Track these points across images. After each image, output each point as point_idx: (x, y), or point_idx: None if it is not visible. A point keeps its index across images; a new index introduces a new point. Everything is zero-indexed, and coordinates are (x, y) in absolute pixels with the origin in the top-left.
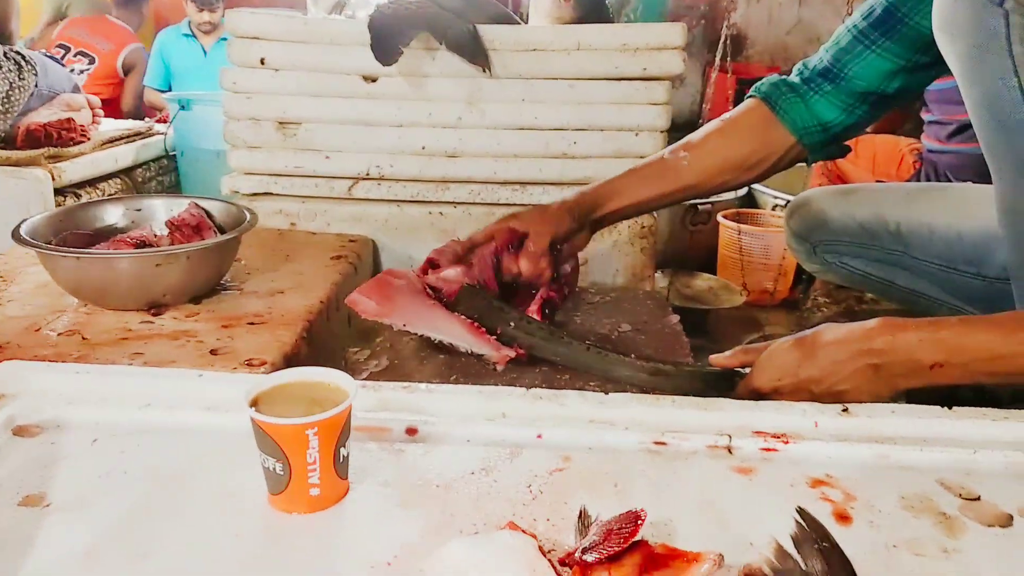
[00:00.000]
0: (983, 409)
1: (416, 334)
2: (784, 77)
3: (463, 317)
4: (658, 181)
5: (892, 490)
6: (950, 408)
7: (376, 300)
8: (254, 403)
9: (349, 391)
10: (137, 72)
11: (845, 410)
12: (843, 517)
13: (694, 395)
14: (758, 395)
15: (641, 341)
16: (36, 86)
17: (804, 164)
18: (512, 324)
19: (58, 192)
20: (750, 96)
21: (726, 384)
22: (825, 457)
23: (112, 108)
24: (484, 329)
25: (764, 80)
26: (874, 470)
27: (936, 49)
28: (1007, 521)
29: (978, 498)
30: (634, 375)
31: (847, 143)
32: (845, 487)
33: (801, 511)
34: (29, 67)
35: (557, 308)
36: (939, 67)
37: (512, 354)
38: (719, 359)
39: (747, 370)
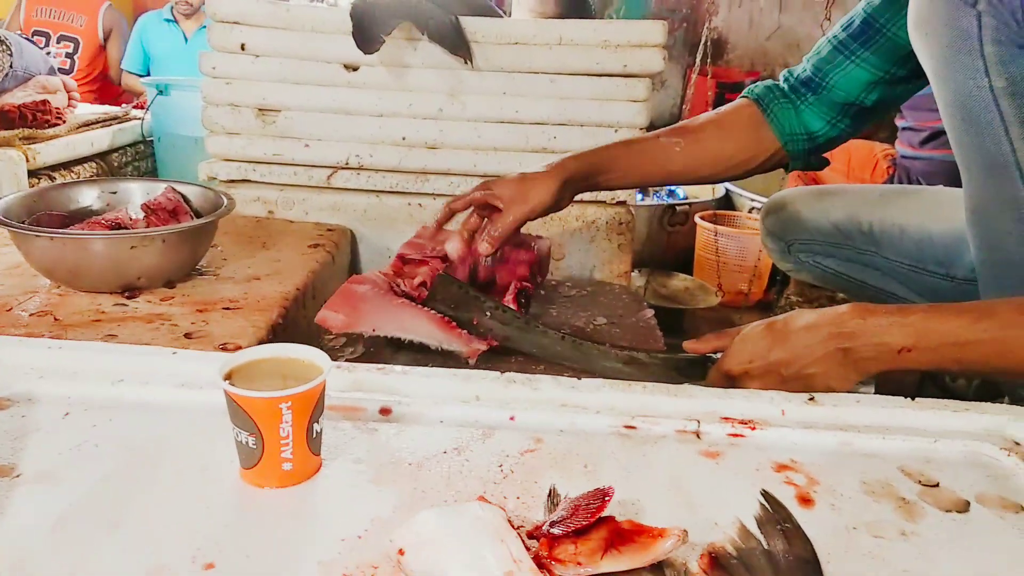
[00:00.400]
0: (944, 400)
1: (387, 337)
2: (777, 83)
3: (432, 312)
4: (650, 162)
5: (854, 476)
6: (913, 399)
7: (343, 313)
8: (228, 377)
9: (323, 367)
10: (116, 36)
11: (811, 399)
12: (806, 500)
13: (668, 382)
14: (729, 378)
15: (616, 334)
16: (11, 67)
17: (783, 170)
18: (488, 314)
19: (32, 174)
20: (743, 96)
21: (699, 370)
22: (790, 443)
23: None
24: (456, 321)
25: (758, 83)
26: (838, 456)
27: (913, 63)
28: (964, 507)
29: (937, 484)
30: (609, 364)
31: (826, 156)
32: (809, 472)
33: (765, 494)
34: (3, 47)
35: (531, 296)
36: (916, 81)
37: (483, 347)
38: (692, 344)
39: (717, 356)
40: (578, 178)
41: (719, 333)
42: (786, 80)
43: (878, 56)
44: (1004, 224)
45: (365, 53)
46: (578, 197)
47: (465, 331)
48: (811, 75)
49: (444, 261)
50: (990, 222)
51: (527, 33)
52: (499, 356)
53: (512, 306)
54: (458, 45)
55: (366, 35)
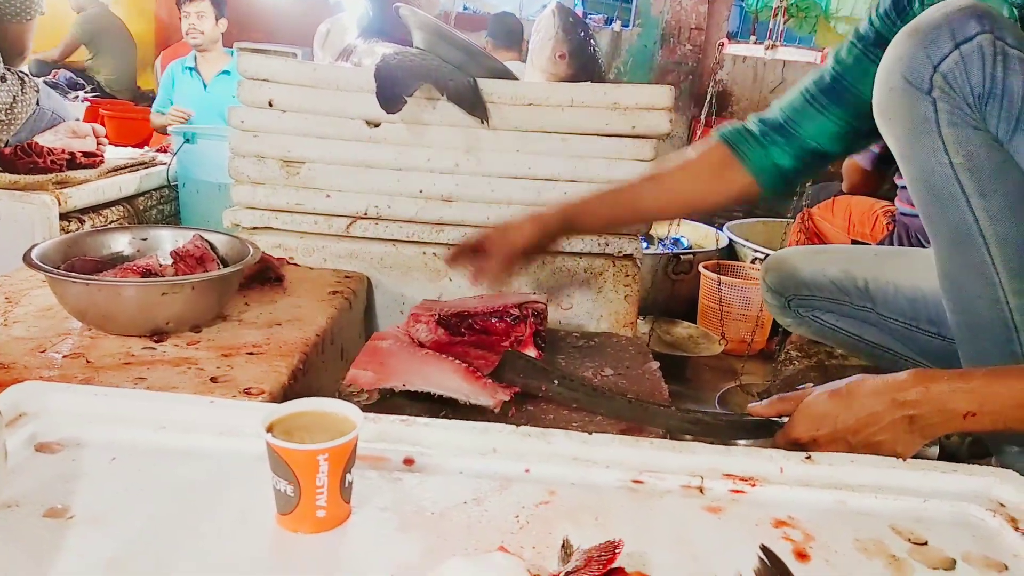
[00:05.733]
0: (934, 462)
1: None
2: (745, 124)
3: (456, 361)
4: (625, 206)
5: (848, 533)
6: (904, 460)
7: (372, 369)
8: (269, 429)
9: (357, 422)
10: None
11: (808, 458)
12: (802, 555)
13: (733, 442)
14: (796, 445)
15: (623, 385)
16: (38, 104)
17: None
18: (556, 382)
19: (63, 217)
20: (712, 138)
21: (764, 432)
22: (788, 500)
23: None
24: (526, 390)
25: (726, 125)
26: (833, 514)
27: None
28: (951, 565)
29: (926, 543)
30: (677, 425)
31: (824, 211)
32: (805, 528)
33: (764, 548)
34: (31, 84)
35: (544, 338)
36: (877, 135)
37: (506, 397)
38: (757, 408)
39: (784, 419)
40: (554, 223)
41: (782, 397)
42: (756, 124)
43: (845, 110)
44: (974, 289)
45: (388, 112)
46: (586, 249)
47: (489, 380)
48: (782, 122)
49: (456, 317)
50: (961, 288)
51: (540, 95)
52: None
53: (533, 350)
54: (475, 105)
55: (389, 95)
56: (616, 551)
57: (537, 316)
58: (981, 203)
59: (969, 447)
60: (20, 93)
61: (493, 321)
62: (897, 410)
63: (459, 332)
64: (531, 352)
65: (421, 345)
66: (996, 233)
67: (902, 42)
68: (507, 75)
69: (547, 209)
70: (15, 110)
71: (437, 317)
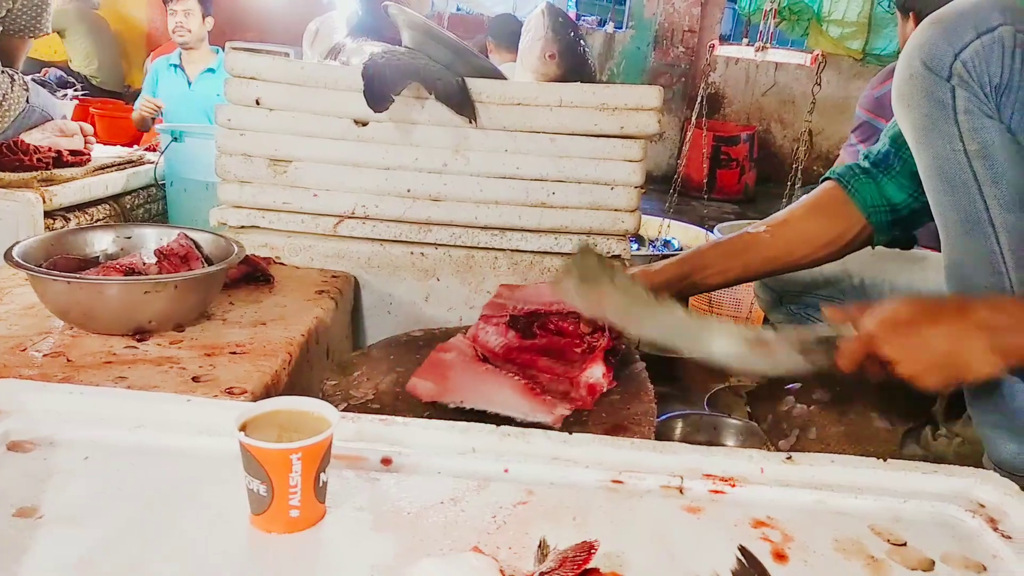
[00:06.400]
0: (914, 463)
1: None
2: (858, 162)
3: (515, 379)
4: (742, 254)
5: (827, 533)
6: (884, 460)
7: (433, 380)
8: (243, 428)
9: (331, 420)
10: None
11: (789, 458)
12: (780, 556)
13: (791, 364)
14: (870, 340)
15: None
16: (28, 101)
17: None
18: (621, 289)
19: (48, 215)
20: (825, 179)
21: (824, 349)
22: (768, 500)
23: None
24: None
25: (838, 165)
26: (812, 514)
27: None
28: (929, 566)
29: (904, 544)
30: (731, 343)
31: (915, 232)
32: (784, 529)
33: (742, 549)
34: (20, 82)
35: (619, 355)
36: None
37: (567, 412)
38: (833, 312)
39: (848, 329)
40: (672, 277)
41: (859, 305)
42: (865, 158)
43: None
44: (980, 278)
45: (375, 111)
46: (574, 250)
47: (548, 396)
48: (889, 148)
49: (529, 317)
50: (966, 276)
51: (529, 95)
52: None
53: (602, 366)
54: (463, 105)
55: (377, 94)
56: (592, 551)
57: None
58: (993, 191)
59: (956, 448)
60: (10, 91)
61: (569, 323)
62: (979, 328)
63: (531, 334)
64: (599, 368)
65: (486, 359)
66: (1005, 222)
67: (925, 29)
68: (496, 75)
69: (666, 266)
70: (3, 107)
71: (508, 318)
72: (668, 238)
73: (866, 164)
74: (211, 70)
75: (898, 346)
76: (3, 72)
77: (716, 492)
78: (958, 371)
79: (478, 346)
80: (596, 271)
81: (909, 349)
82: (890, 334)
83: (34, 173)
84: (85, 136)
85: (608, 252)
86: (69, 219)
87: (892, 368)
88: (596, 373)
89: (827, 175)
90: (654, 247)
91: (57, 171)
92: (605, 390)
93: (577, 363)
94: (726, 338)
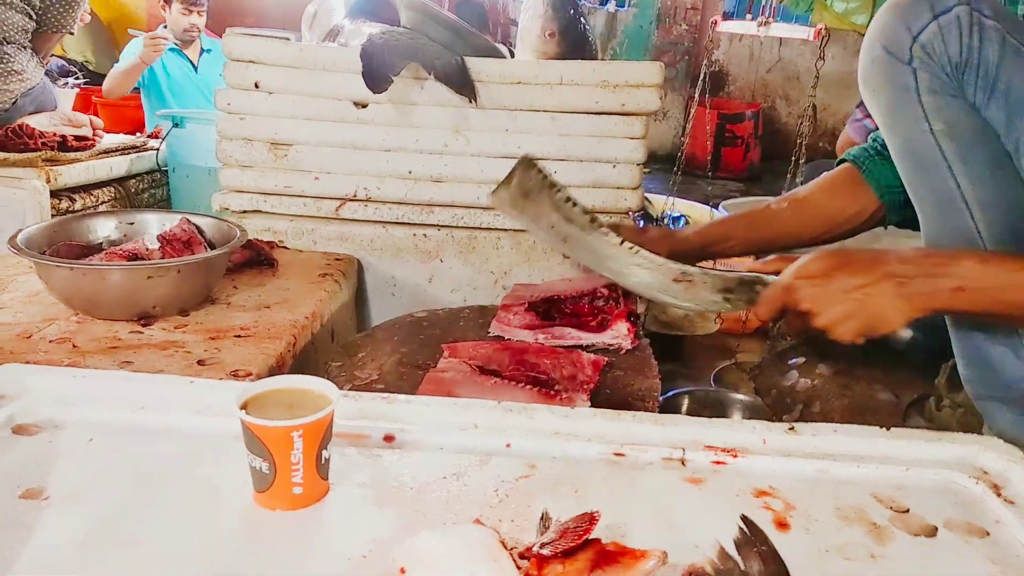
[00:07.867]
0: (917, 430)
1: (397, 360)
2: (874, 144)
3: (528, 387)
4: (766, 228)
5: (829, 501)
6: (888, 429)
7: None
8: (244, 406)
9: (332, 397)
10: None
11: (791, 428)
12: (782, 524)
13: (713, 304)
14: (786, 290)
15: (612, 362)
16: (42, 79)
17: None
18: (559, 208)
19: (53, 195)
20: (842, 160)
21: (747, 293)
22: (770, 470)
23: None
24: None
25: (854, 147)
26: (814, 483)
27: None
28: (932, 532)
29: (907, 510)
30: (659, 278)
31: None
32: (786, 498)
33: (744, 518)
34: (37, 61)
35: (639, 319)
36: None
37: (587, 402)
38: (754, 263)
39: (771, 278)
40: (696, 243)
41: (782, 256)
42: (875, 140)
43: None
44: None
45: (374, 93)
46: None
47: (563, 395)
48: None
49: (545, 303)
50: None
51: (529, 73)
52: None
53: (626, 328)
54: (463, 84)
55: (376, 75)
56: (593, 522)
57: (629, 295)
58: (962, 168)
59: (960, 418)
60: (28, 64)
61: (583, 303)
62: (892, 273)
63: (550, 317)
64: (623, 326)
65: (494, 373)
66: (978, 198)
67: (884, 14)
68: (495, 53)
69: (690, 234)
70: (23, 76)
71: (526, 305)
72: (676, 214)
73: (879, 145)
74: (207, 50)
75: (813, 296)
76: (25, 49)
77: (718, 463)
78: (870, 321)
79: (477, 359)
80: (537, 186)
81: (823, 300)
82: (806, 285)
83: (39, 153)
84: (95, 129)
85: None
86: (75, 199)
87: (810, 319)
88: (621, 329)
89: (842, 157)
90: (660, 224)
91: (62, 154)
92: (629, 347)
93: (595, 332)
94: (652, 270)
